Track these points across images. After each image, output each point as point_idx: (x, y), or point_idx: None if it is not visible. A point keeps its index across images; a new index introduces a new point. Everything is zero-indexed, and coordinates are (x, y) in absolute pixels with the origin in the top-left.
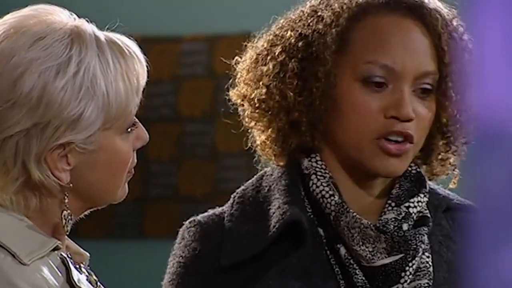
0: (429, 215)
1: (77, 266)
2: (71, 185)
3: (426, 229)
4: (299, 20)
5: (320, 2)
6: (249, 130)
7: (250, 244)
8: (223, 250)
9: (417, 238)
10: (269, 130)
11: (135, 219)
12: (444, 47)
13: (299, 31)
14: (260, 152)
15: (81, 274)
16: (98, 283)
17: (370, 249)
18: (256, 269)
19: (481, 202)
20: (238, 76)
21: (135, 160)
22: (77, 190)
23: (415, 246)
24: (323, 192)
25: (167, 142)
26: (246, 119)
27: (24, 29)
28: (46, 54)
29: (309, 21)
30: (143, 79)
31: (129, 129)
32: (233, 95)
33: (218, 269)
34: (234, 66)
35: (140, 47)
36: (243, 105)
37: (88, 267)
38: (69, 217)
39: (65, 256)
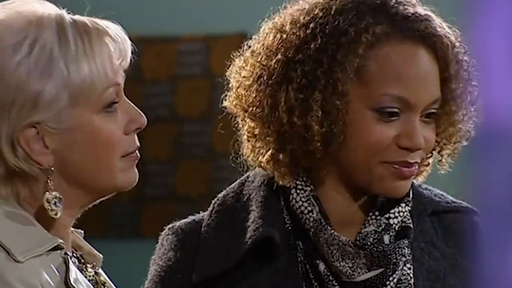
0: (411, 225)
1: (83, 267)
2: (52, 168)
3: (406, 241)
4: (310, 40)
5: (323, 16)
6: (246, 141)
7: (223, 258)
8: (197, 264)
9: (397, 252)
10: (280, 153)
11: (132, 219)
12: (451, 72)
13: (316, 56)
14: (262, 167)
15: (84, 274)
16: (106, 285)
17: (350, 265)
18: (227, 284)
19: (484, 203)
20: (238, 88)
21: (137, 144)
22: (66, 174)
23: (395, 260)
24: (302, 208)
25: (164, 142)
26: (247, 133)
27: None
28: (4, 34)
29: (322, 44)
30: (122, 56)
31: (109, 108)
32: (231, 106)
33: (191, 282)
34: (231, 75)
35: (137, 47)
36: (244, 120)
37: (99, 269)
38: (55, 200)
39: (68, 255)
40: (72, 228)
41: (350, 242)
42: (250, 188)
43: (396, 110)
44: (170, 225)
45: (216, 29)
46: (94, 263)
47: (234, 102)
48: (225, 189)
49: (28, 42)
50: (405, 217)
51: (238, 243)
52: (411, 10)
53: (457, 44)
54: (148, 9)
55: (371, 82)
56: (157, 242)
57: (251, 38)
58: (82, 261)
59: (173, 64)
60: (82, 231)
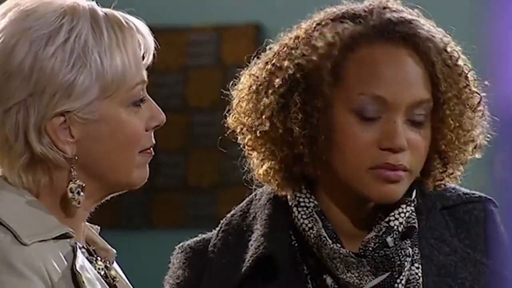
0: (416, 224)
1: (93, 259)
2: (76, 158)
3: (409, 241)
4: (296, 48)
5: (314, 27)
6: (248, 159)
7: (226, 279)
8: (202, 285)
9: (400, 254)
10: (272, 161)
11: (143, 209)
12: (438, 75)
13: (296, 61)
14: (262, 180)
15: (92, 265)
16: (117, 279)
17: (356, 275)
18: None
19: (504, 196)
20: (236, 104)
21: (153, 141)
22: (86, 166)
23: (399, 262)
24: (303, 225)
25: (175, 132)
26: (247, 147)
27: (19, 6)
28: (38, 24)
29: (303, 50)
30: (147, 53)
31: (136, 104)
32: (231, 122)
33: None
34: (231, 92)
35: None
36: (242, 133)
37: (113, 264)
38: (78, 189)
39: (77, 244)
40: (87, 224)
41: (351, 253)
42: (256, 206)
43: (375, 110)
44: (180, 244)
45: (227, 19)
46: (106, 258)
47: (233, 117)
48: (235, 179)
49: (64, 31)
50: (408, 217)
51: (242, 263)
52: (395, 15)
53: (448, 48)
54: None
55: (350, 83)
56: (168, 232)
57: (262, 28)
58: (95, 255)
59: (184, 54)
60: (98, 227)
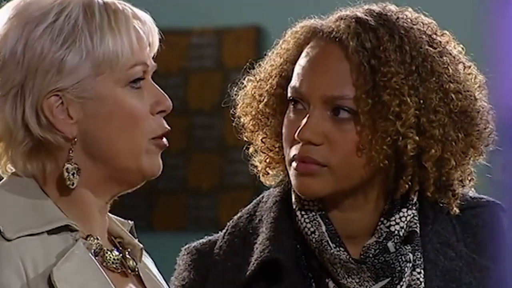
0: (417, 229)
1: (108, 251)
2: (75, 139)
3: (409, 247)
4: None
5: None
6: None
7: (231, 281)
8: (207, 287)
9: (401, 259)
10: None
11: (143, 211)
12: (354, 73)
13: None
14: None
15: (102, 258)
16: (136, 270)
17: (357, 280)
18: None
19: (503, 199)
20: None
21: (164, 126)
22: (89, 149)
23: (399, 268)
24: (306, 229)
25: (175, 135)
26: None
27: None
28: (31, 9)
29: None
30: (149, 38)
31: (134, 82)
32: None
33: None
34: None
35: None
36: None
37: (141, 258)
38: (73, 171)
39: (81, 238)
40: (118, 218)
41: (350, 259)
42: (263, 209)
43: (297, 100)
44: (186, 246)
45: (227, 21)
46: (133, 252)
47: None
48: (236, 181)
49: (54, 12)
50: (410, 221)
51: (247, 266)
52: (334, 15)
53: (414, 52)
54: (159, 1)
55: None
56: (168, 234)
57: (262, 31)
58: (121, 248)
59: (184, 57)
60: (131, 222)
